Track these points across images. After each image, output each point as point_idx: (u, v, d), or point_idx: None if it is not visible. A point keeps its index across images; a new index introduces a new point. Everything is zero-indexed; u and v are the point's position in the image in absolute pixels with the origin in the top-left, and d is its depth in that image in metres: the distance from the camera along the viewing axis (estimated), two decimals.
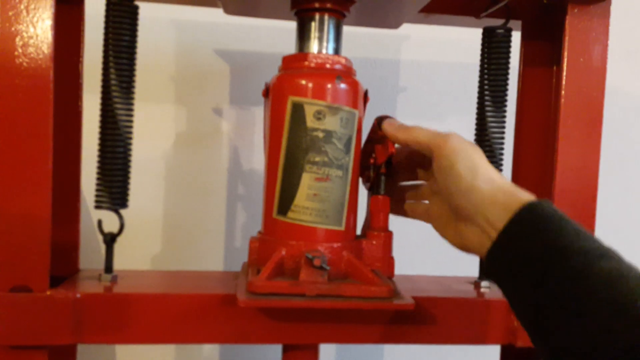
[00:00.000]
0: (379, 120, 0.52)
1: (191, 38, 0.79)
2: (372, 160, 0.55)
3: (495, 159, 0.57)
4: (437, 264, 0.87)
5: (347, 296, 0.47)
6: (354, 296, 0.47)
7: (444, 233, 0.47)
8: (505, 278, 0.38)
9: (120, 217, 0.50)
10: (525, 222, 0.38)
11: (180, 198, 0.80)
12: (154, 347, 0.78)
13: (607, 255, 0.35)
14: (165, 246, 0.79)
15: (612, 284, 0.32)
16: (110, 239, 0.50)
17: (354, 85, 0.51)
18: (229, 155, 0.81)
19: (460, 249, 0.46)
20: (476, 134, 0.58)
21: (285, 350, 0.53)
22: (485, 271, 0.41)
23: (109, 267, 0.50)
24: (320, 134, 0.50)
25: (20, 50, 0.46)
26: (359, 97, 0.52)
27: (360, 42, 0.83)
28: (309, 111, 0.49)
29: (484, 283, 0.57)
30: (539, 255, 0.36)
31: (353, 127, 0.51)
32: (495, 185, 0.41)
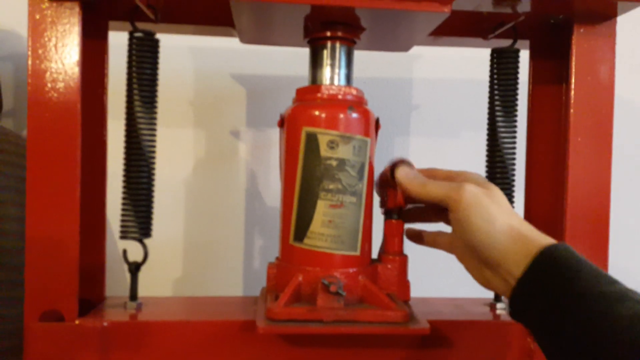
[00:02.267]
0: (393, 167, 0.52)
1: (208, 64, 0.81)
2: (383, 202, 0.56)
3: (507, 175, 0.58)
4: (453, 283, 0.87)
5: (363, 321, 0.48)
6: (370, 321, 0.48)
7: (467, 267, 0.48)
8: (528, 323, 0.39)
9: (145, 246, 0.52)
10: (541, 269, 0.38)
11: (200, 220, 0.82)
12: None
13: (626, 297, 0.35)
14: (186, 269, 0.81)
15: (633, 327, 0.33)
16: (135, 268, 0.52)
17: (365, 114, 0.53)
18: (247, 176, 0.83)
19: (484, 287, 0.46)
20: (488, 152, 0.59)
21: None
22: (510, 314, 0.42)
23: (134, 295, 0.52)
24: (334, 162, 0.51)
25: (50, 85, 0.48)
26: (371, 125, 0.53)
27: (373, 62, 0.84)
28: (323, 141, 0.51)
29: (500, 305, 0.57)
30: (557, 302, 0.36)
31: (365, 154, 0.53)
32: (513, 233, 0.41)
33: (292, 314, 0.47)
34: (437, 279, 0.86)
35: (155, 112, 0.54)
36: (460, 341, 0.53)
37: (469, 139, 0.86)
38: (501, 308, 0.57)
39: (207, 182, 0.82)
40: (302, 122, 0.51)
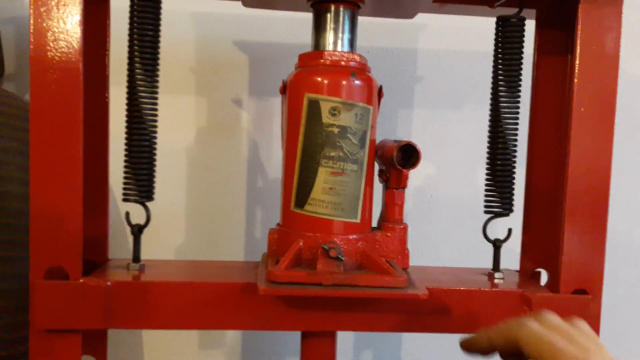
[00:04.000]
0: (399, 149, 0.53)
1: (210, 30, 0.80)
2: (384, 178, 0.56)
3: (509, 147, 0.58)
4: (453, 256, 0.88)
5: (362, 285, 0.49)
6: (368, 285, 0.49)
7: None
8: None
9: (147, 209, 0.52)
10: None
11: (202, 189, 0.82)
12: (178, 332, 0.82)
13: None
14: (188, 236, 0.82)
15: None
16: (137, 230, 0.52)
17: (368, 81, 0.52)
18: (248, 146, 0.83)
19: None
20: (490, 123, 0.59)
21: (304, 337, 0.55)
22: None
23: (136, 257, 0.53)
24: (336, 130, 0.51)
25: (51, 45, 0.48)
26: (374, 93, 0.53)
27: (377, 32, 0.83)
28: (325, 107, 0.51)
29: (498, 274, 0.58)
30: None
31: (367, 122, 0.53)
32: None
33: (292, 276, 0.48)
34: (438, 251, 0.87)
35: (157, 75, 0.54)
36: (458, 309, 0.54)
37: (474, 112, 0.86)
38: (499, 277, 0.58)
39: (208, 151, 0.82)
40: (305, 88, 0.51)
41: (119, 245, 0.78)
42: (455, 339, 0.83)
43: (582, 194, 0.54)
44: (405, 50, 0.84)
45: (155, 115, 0.53)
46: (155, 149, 0.53)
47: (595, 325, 0.54)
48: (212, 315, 0.50)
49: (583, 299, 0.54)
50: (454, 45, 0.85)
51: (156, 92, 0.53)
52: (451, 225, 0.87)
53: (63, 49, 0.48)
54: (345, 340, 0.85)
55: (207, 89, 0.81)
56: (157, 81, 0.54)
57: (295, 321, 0.51)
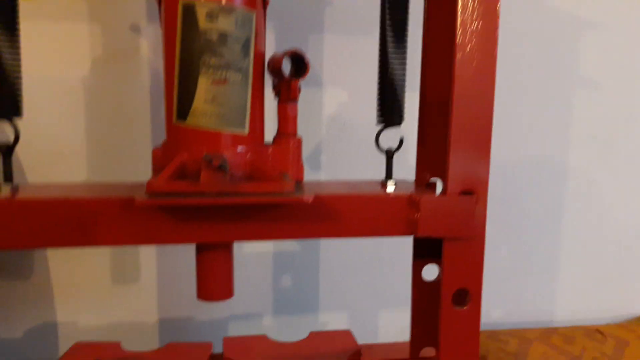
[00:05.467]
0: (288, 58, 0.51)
1: None
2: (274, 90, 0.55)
3: (396, 72, 0.58)
4: (365, 175, 0.90)
5: (247, 193, 0.49)
6: (254, 192, 0.49)
7: None
8: None
9: (15, 126, 0.49)
10: None
11: (103, 123, 0.78)
12: (88, 258, 0.80)
13: None
14: (90, 174, 0.79)
15: None
16: (6, 149, 0.49)
17: None
18: (150, 75, 0.79)
19: None
20: (380, 30, 0.59)
21: (198, 251, 0.55)
22: None
23: (8, 177, 0.50)
24: (214, 36, 0.49)
25: None
26: None
27: None
28: (201, 12, 0.48)
29: (390, 182, 0.60)
30: None
31: (250, 29, 0.51)
32: None
33: (173, 186, 0.47)
34: (347, 172, 0.88)
35: None
36: (347, 215, 0.55)
37: None
38: (391, 185, 0.59)
39: (107, 82, 0.78)
40: None
41: None
42: (365, 255, 0.85)
43: (467, 102, 0.55)
44: None
45: (15, 22, 0.49)
46: (17, 60, 0.49)
47: (481, 224, 0.57)
48: (90, 232, 0.49)
49: (469, 199, 0.56)
50: None
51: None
52: (365, 153, 0.89)
53: None
54: (264, 265, 0.87)
55: (101, 15, 0.76)
56: None
57: (183, 235, 0.51)
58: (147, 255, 0.82)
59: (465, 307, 0.59)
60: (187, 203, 0.47)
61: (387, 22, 0.58)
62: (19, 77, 0.49)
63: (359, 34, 0.85)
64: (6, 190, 0.49)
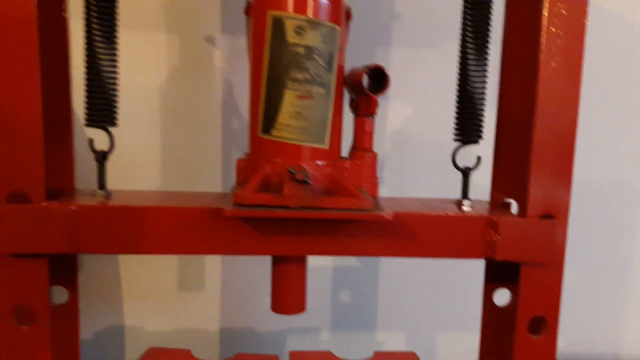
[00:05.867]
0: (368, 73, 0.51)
1: None
2: (354, 106, 0.56)
3: (476, 88, 0.57)
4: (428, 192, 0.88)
5: (328, 207, 0.49)
6: (335, 207, 0.49)
7: None
8: None
9: (110, 135, 0.51)
10: None
11: (176, 131, 0.81)
12: (156, 264, 0.82)
13: None
14: (163, 179, 0.81)
15: None
16: (102, 157, 0.51)
17: (336, 0, 0.51)
18: (222, 85, 0.81)
19: None
20: (460, 47, 0.58)
21: (275, 263, 0.56)
22: None
23: (102, 184, 0.52)
24: (301, 50, 0.50)
25: None
26: (342, 14, 0.52)
27: None
28: (290, 26, 0.49)
29: (466, 201, 0.58)
30: None
31: (335, 44, 0.51)
32: None
33: (259, 199, 0.48)
34: (415, 192, 0.87)
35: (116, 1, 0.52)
36: (424, 233, 0.54)
37: (453, 51, 0.84)
38: (467, 205, 0.58)
39: (181, 91, 0.80)
40: (268, 6, 0.49)
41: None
42: (426, 275, 0.83)
43: (550, 122, 0.54)
44: None
45: (115, 35, 0.51)
46: (115, 72, 0.51)
47: (561, 250, 0.55)
48: (179, 240, 0.50)
49: (550, 223, 0.54)
50: None
51: (115, 12, 0.51)
52: (428, 168, 0.87)
53: None
54: (323, 280, 0.87)
55: (178, 25, 0.79)
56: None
57: (263, 246, 0.52)
58: (212, 264, 0.83)
59: (541, 336, 0.56)
60: (273, 215, 0.48)
61: (469, 34, 0.57)
62: (115, 88, 0.51)
63: (426, 47, 0.84)
64: (100, 196, 0.52)
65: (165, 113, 0.80)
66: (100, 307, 0.82)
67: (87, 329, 0.82)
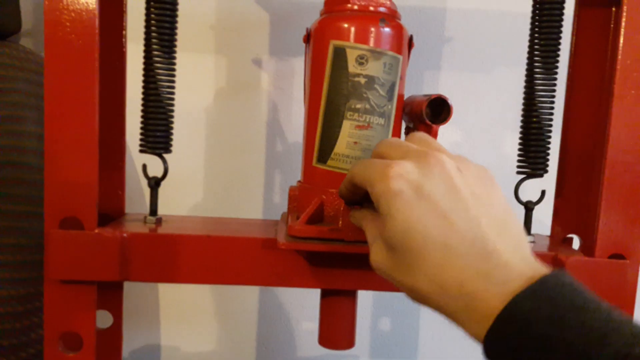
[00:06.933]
0: (428, 103, 0.49)
1: None
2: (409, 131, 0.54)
3: (544, 118, 0.54)
4: None
5: None
6: None
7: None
8: None
9: (164, 161, 0.51)
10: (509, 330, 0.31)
11: (221, 151, 0.80)
12: (194, 291, 0.82)
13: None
14: (206, 198, 0.81)
15: None
16: (154, 183, 0.51)
17: (398, 29, 0.49)
18: (268, 108, 0.80)
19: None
20: (526, 77, 0.55)
21: (324, 295, 0.54)
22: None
23: (153, 210, 0.51)
24: (363, 80, 0.48)
25: (65, 1, 0.45)
26: (404, 42, 0.50)
27: None
28: (351, 56, 0.48)
29: (529, 237, 0.55)
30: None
31: (397, 73, 0.50)
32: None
33: (313, 231, 0.46)
34: None
35: (176, 22, 0.51)
36: None
37: (503, 75, 0.82)
38: (530, 241, 0.55)
39: (227, 112, 0.80)
40: (330, 35, 0.48)
41: (139, 204, 0.77)
42: None
43: (622, 157, 0.51)
44: (433, 9, 0.80)
45: (174, 62, 0.50)
46: (172, 99, 0.50)
47: (631, 292, 0.51)
48: (230, 271, 0.49)
49: (620, 264, 0.51)
50: (484, 5, 0.80)
51: (174, 39, 0.51)
52: None
53: (78, 4, 0.45)
54: (364, 307, 0.84)
55: (226, 47, 0.79)
56: (175, 27, 0.51)
57: (315, 279, 0.50)
58: (250, 288, 0.82)
59: None
60: (327, 249, 0.46)
61: (537, 61, 0.54)
62: (172, 114, 0.51)
63: (475, 71, 0.82)
64: (151, 223, 0.51)
65: (210, 135, 0.80)
66: (137, 326, 0.81)
67: (124, 347, 0.81)
